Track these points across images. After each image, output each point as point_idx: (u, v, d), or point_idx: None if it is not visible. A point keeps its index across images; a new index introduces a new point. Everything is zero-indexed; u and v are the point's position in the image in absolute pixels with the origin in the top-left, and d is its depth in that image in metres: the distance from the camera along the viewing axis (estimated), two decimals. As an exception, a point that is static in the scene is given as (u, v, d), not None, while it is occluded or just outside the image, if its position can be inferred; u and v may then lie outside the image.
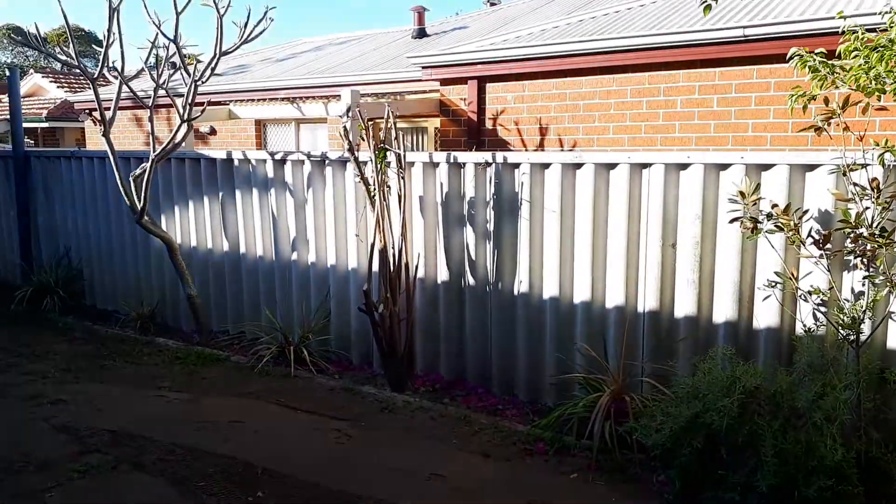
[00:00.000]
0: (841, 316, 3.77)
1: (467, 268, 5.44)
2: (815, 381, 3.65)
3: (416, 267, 5.61)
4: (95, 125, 6.69)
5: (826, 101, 3.90)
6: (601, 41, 7.09)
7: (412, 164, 5.59)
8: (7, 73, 8.70)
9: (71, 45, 6.30)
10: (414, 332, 5.65)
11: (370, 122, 5.56)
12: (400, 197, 5.48)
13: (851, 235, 3.77)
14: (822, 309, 3.98)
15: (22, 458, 4.36)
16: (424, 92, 9.28)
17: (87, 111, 13.78)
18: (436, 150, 9.15)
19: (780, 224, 3.90)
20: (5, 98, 12.84)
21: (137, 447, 4.52)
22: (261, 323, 6.49)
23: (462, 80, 8.23)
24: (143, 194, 6.42)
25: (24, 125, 9.54)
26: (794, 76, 6.09)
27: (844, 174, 3.84)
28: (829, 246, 3.86)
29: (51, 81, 21.04)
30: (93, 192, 7.77)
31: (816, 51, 3.87)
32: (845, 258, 3.96)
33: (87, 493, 3.95)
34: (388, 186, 5.51)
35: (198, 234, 7.02)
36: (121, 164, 6.60)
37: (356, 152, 5.55)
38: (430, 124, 9.63)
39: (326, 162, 6.04)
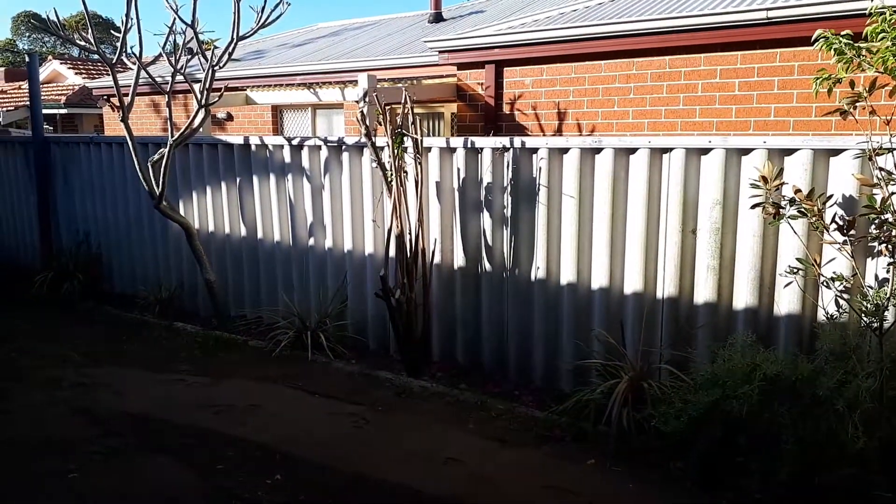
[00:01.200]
0: (864, 303, 3.71)
1: (484, 253, 5.42)
2: (836, 368, 3.60)
3: (433, 252, 5.60)
4: (114, 111, 6.73)
5: (852, 84, 3.81)
6: (620, 24, 7.00)
7: (429, 149, 5.56)
8: (27, 60, 8.74)
9: (90, 31, 6.32)
10: (430, 318, 5.65)
11: (387, 108, 5.53)
12: (417, 182, 5.46)
13: (876, 221, 3.70)
14: (845, 296, 3.91)
15: (44, 440, 4.42)
16: (441, 77, 9.23)
17: (105, 97, 13.86)
18: (452, 135, 9.11)
19: (803, 209, 3.84)
20: (25, 85, 12.94)
21: (156, 430, 4.57)
22: (278, 308, 6.52)
23: (479, 65, 8.17)
24: (161, 179, 6.44)
25: (44, 111, 9.63)
26: (819, 59, 5.96)
27: (870, 159, 3.77)
28: (852, 232, 3.79)
29: (69, 68, 21.19)
30: (111, 178, 7.82)
31: (842, 33, 3.78)
32: (869, 244, 3.89)
33: (107, 475, 4.00)
34: (405, 172, 5.49)
35: (215, 219, 7.05)
36: (139, 150, 6.63)
37: (373, 137, 5.53)
38: (446, 109, 9.58)
39: (343, 147, 6.03)
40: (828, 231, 3.84)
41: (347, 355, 5.93)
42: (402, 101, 5.43)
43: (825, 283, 3.94)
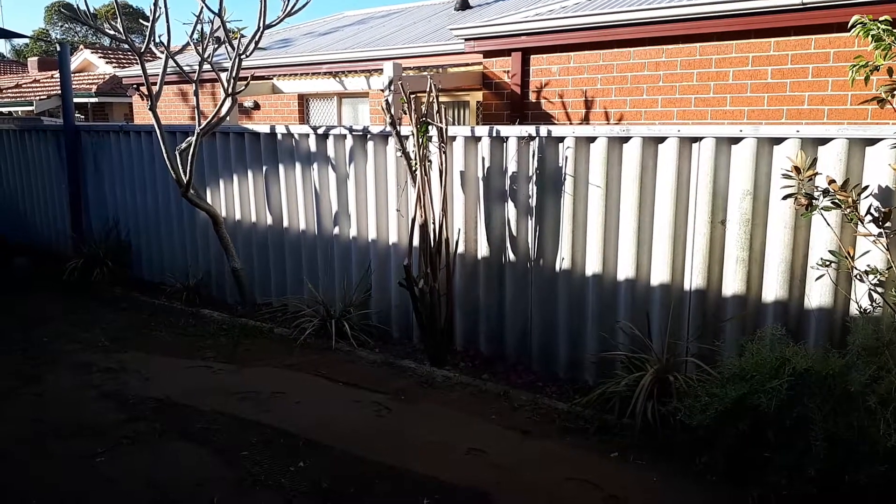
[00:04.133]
0: (899, 297, 3.62)
1: (508, 244, 5.38)
2: (869, 364, 3.52)
3: (457, 242, 5.58)
4: (142, 100, 6.80)
5: (890, 71, 3.70)
6: (650, 11, 6.87)
7: (454, 138, 5.53)
8: (58, 49, 8.86)
9: (119, 21, 6.37)
10: (454, 308, 5.64)
11: (412, 96, 5.51)
12: (441, 172, 5.43)
13: (913, 213, 3.60)
14: (879, 289, 3.82)
15: (73, 423, 4.51)
16: (467, 65, 9.17)
17: (134, 86, 14.03)
18: (478, 123, 9.05)
19: (836, 201, 3.74)
20: (57, 74, 13.13)
21: (183, 416, 4.62)
22: (303, 296, 6.56)
23: (505, 53, 8.09)
24: (188, 168, 6.50)
25: (75, 100, 9.76)
26: (856, 46, 5.84)
27: (908, 149, 3.66)
28: (888, 224, 3.69)
29: (100, 57, 21.48)
30: (140, 166, 7.91)
31: (880, 18, 3.67)
32: (906, 237, 3.79)
33: (134, 459, 4.06)
34: (430, 161, 5.46)
35: (242, 207, 7.09)
36: (167, 138, 6.68)
37: (398, 126, 5.51)
38: (472, 98, 9.52)
39: (368, 136, 6.02)
40: (862, 223, 3.74)
41: (371, 344, 5.94)
42: (428, 89, 5.40)
43: (858, 277, 3.85)
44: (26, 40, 41.58)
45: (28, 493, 3.74)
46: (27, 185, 9.60)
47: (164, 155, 6.61)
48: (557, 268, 5.16)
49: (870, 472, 3.23)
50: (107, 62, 20.93)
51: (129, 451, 4.16)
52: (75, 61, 21.21)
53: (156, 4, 6.29)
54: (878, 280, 3.79)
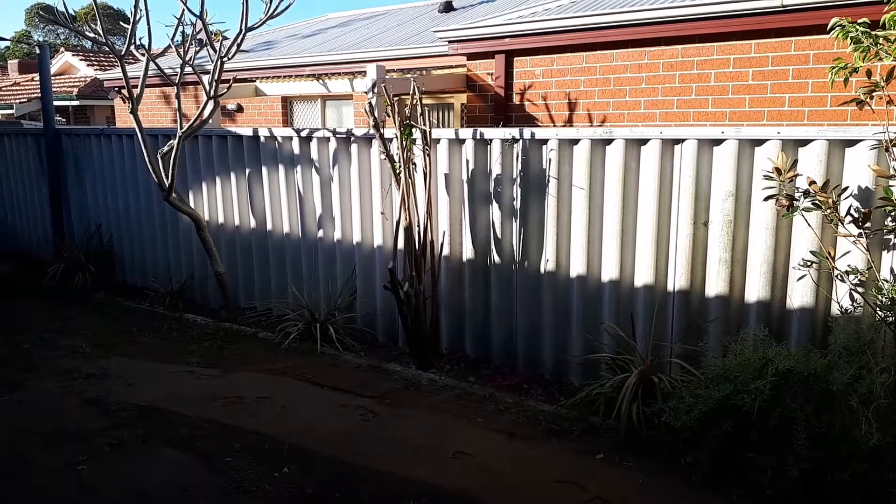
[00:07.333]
0: (879, 297, 3.65)
1: (493, 246, 5.39)
2: (850, 363, 3.55)
3: (442, 245, 5.57)
4: (124, 103, 6.73)
5: (868, 73, 3.74)
6: (633, 13, 6.91)
7: (438, 140, 5.52)
8: (38, 52, 8.76)
9: (99, 23, 6.32)
10: (439, 311, 5.63)
11: (396, 98, 5.49)
12: (425, 174, 5.42)
13: (892, 214, 3.64)
14: (860, 289, 3.85)
15: (55, 431, 4.45)
16: (451, 67, 9.16)
17: (115, 89, 13.89)
18: (462, 126, 9.05)
19: (817, 202, 3.78)
20: (38, 77, 13.00)
21: (167, 422, 4.58)
22: (287, 300, 6.52)
23: (489, 55, 8.10)
24: (170, 172, 6.45)
25: (56, 103, 9.69)
26: (835, 48, 5.89)
27: (887, 150, 3.70)
28: (868, 224, 3.73)
29: (81, 60, 21.28)
30: (122, 170, 7.84)
31: (859, 21, 3.71)
32: (885, 237, 3.83)
33: (117, 466, 4.02)
34: (414, 164, 5.45)
35: (225, 211, 7.05)
36: (149, 142, 6.63)
37: (382, 129, 5.50)
38: (456, 100, 9.52)
39: (352, 139, 6.00)
40: (843, 223, 3.77)
41: (356, 348, 5.92)
42: (411, 91, 5.39)
43: (839, 277, 3.88)
44: (7, 43, 41.13)
45: (9, 501, 3.68)
46: (7, 190, 9.49)
47: (147, 159, 6.55)
48: (542, 270, 5.17)
49: (852, 472, 3.27)
50: (88, 64, 20.74)
51: (112, 457, 4.11)
52: (56, 64, 20.99)
53: (136, 6, 6.24)
54: (859, 280, 3.83)
